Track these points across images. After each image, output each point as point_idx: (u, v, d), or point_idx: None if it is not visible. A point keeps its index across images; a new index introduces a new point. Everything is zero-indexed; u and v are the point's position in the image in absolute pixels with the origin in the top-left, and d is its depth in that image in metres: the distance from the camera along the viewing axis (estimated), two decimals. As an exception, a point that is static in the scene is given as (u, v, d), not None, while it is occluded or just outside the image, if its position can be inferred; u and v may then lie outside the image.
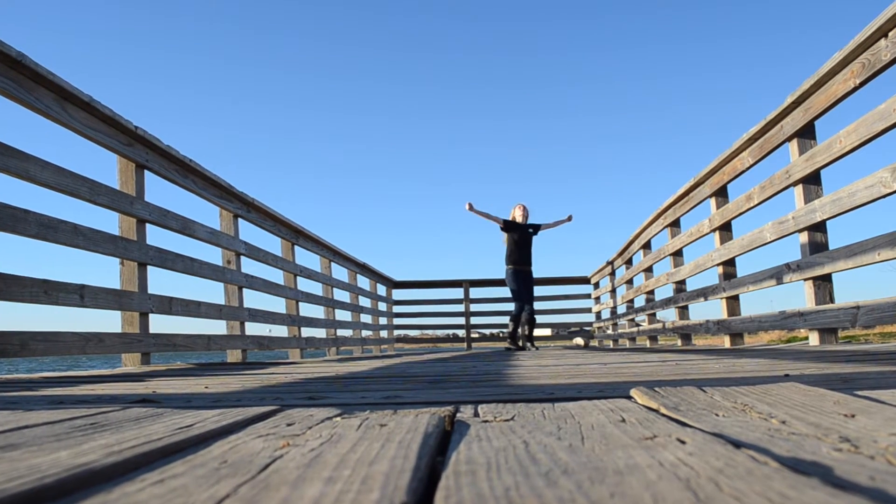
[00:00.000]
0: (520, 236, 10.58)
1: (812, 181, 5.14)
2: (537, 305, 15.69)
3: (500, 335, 16.17)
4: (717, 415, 1.13)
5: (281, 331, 9.21)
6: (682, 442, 0.86)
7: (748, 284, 6.36)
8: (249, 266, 7.71)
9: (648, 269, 10.51)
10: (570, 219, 10.98)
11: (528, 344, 10.57)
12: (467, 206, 10.45)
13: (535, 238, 10.68)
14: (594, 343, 14.89)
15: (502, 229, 10.66)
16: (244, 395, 2.27)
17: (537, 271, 11.23)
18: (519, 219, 10.66)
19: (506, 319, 13.79)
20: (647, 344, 10.97)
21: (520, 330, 10.70)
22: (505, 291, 11.66)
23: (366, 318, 13.61)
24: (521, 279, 10.60)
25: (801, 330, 5.42)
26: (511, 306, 10.93)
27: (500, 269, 10.90)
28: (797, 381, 1.68)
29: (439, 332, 17.45)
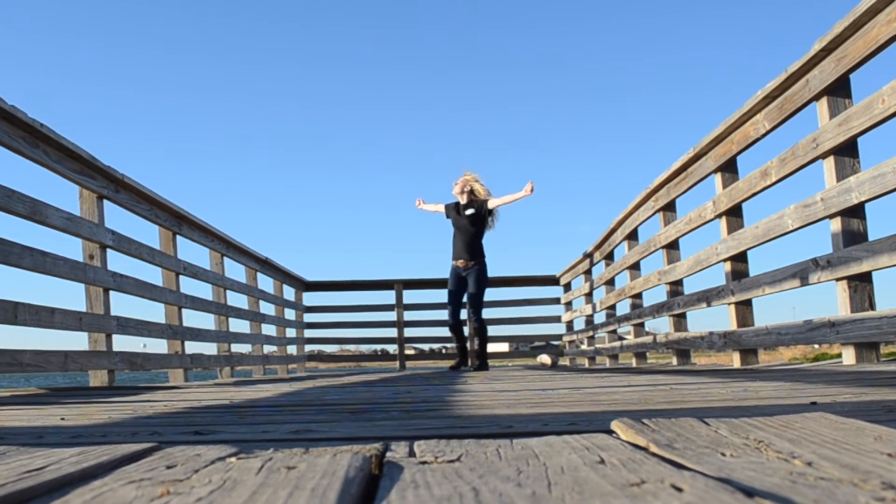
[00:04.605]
0: (455, 222, 10.81)
1: (847, 152, 5.12)
2: (490, 313, 15.84)
3: (443, 351, 16.21)
4: (723, 454, 1.14)
5: (159, 345, 9.14)
6: (679, 489, 0.86)
7: (764, 286, 6.43)
8: (119, 262, 7.62)
9: (635, 266, 10.59)
10: (529, 191, 10.41)
11: (472, 362, 10.81)
12: (418, 204, 11.07)
13: (488, 219, 10.75)
14: (564, 362, 15.03)
15: (446, 217, 10.81)
16: (112, 428, 2.25)
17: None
18: (461, 198, 10.76)
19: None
20: (634, 363, 11.10)
21: (468, 344, 10.97)
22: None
23: (269, 330, 13.53)
24: (455, 278, 10.84)
25: (833, 345, 5.48)
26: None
27: (440, 266, 11.02)
28: (827, 411, 1.71)
29: (363, 348, 17.52)
